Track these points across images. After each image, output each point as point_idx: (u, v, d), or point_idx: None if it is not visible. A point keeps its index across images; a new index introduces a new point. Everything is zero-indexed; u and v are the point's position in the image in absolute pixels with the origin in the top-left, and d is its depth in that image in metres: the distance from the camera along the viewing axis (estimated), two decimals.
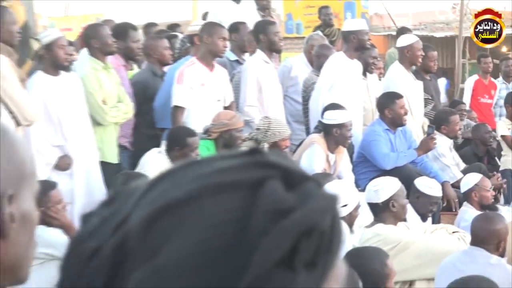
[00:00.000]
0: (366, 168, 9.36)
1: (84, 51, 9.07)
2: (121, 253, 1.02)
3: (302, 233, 0.98)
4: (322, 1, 15.82)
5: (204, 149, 8.13)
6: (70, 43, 9.07)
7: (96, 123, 8.58)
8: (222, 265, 0.97)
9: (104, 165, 8.39)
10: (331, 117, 8.89)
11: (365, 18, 14.57)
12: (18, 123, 6.84)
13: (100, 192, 8.07)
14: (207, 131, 8.36)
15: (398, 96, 9.61)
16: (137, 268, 0.99)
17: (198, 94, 8.73)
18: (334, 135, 8.82)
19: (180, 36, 11.55)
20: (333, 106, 9.05)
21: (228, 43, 9.55)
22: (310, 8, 16.24)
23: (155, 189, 1.07)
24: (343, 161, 9.16)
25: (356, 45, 9.95)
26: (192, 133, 8.00)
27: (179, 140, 7.89)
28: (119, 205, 1.09)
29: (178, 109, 8.63)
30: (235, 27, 10.58)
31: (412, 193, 7.60)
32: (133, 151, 9.14)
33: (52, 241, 5.69)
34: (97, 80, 8.72)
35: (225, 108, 8.99)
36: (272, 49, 10.27)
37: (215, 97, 8.96)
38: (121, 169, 8.42)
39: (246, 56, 10.81)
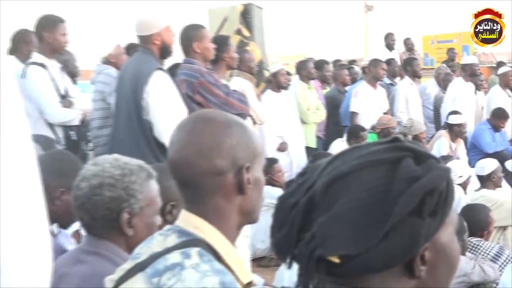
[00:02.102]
0: (476, 152, 10.00)
1: (296, 77, 10.29)
2: (310, 206, 1.31)
3: (426, 193, 1.25)
4: (448, 44, 16.68)
5: (371, 140, 8.53)
6: (288, 73, 10.08)
7: (303, 121, 9.57)
8: (373, 213, 1.24)
9: (307, 149, 9.39)
10: (454, 119, 9.70)
11: (475, 56, 14.79)
12: (254, 122, 7.13)
13: (303, 166, 8.06)
14: (373, 128, 9.26)
15: (506, 116, 10.31)
16: (320, 215, 1.28)
17: (367, 104, 9.59)
18: (455, 131, 9.65)
19: (356, 68, 12.37)
20: (455, 112, 9.88)
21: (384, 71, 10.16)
22: (440, 49, 17.08)
23: (332, 164, 1.35)
24: (460, 147, 9.86)
25: (470, 73, 10.95)
26: (363, 129, 8.93)
27: (354, 133, 8.80)
28: (309, 175, 1.36)
29: (354, 114, 9.56)
30: (389, 62, 11.24)
31: (504, 170, 7.87)
32: (325, 140, 10.07)
33: (274, 195, 4.81)
34: (304, 95, 9.77)
35: (384, 113, 9.75)
36: (415, 76, 11.23)
37: (378, 106, 9.76)
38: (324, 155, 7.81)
39: (397, 79, 11.57)
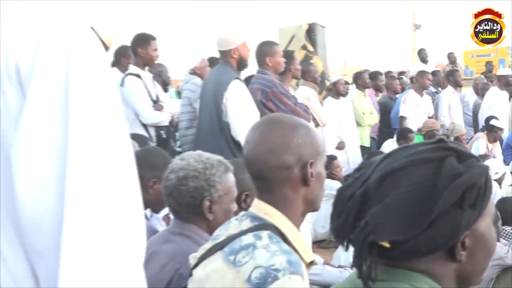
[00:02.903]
0: (510, 152, 9.63)
1: (353, 86, 10.18)
2: (365, 197, 1.29)
3: (467, 188, 1.23)
4: (486, 58, 16.11)
5: (418, 140, 8.21)
6: (346, 82, 9.90)
7: (358, 124, 9.44)
8: (420, 205, 1.22)
9: (362, 148, 9.24)
10: (496, 123, 9.45)
11: (510, 68, 13.49)
12: (317, 125, 7.09)
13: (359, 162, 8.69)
14: (419, 130, 9.06)
15: None
16: (373, 206, 1.26)
17: (414, 110, 9.42)
18: (494, 133, 9.39)
19: (405, 78, 12.22)
20: (492, 117, 9.69)
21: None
22: (479, 62, 16.65)
23: (384, 161, 1.32)
24: (496, 148, 9.60)
25: (504, 83, 10.80)
26: (411, 131, 8.74)
27: (403, 135, 8.65)
28: (364, 171, 1.35)
29: (403, 118, 9.39)
30: (434, 73, 11.05)
31: None
32: (378, 140, 9.90)
33: (334, 187, 5.48)
34: (360, 102, 9.64)
35: (429, 118, 9.57)
36: (457, 85, 11.04)
37: (423, 111, 9.58)
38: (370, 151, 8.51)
39: (441, 88, 11.21)
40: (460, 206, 1.23)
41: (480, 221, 1.29)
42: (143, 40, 6.10)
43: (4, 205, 1.23)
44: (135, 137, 4.61)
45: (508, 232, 5.05)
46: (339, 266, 5.12)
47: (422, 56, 13.06)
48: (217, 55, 5.63)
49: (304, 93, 7.17)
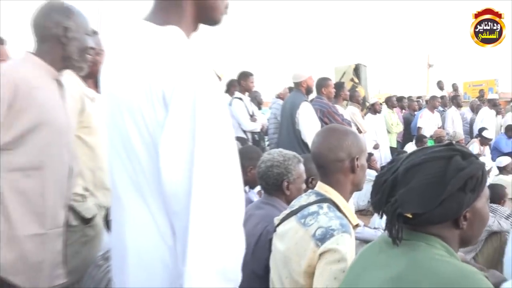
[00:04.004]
0: (496, 153, 8.77)
1: (385, 106, 9.22)
2: (395, 182, 1.24)
3: (469, 177, 1.18)
4: (479, 87, 14.51)
5: (430, 144, 7.69)
6: (380, 104, 8.98)
7: (388, 132, 8.72)
8: (434, 189, 1.18)
9: (391, 148, 8.70)
10: (487, 134, 8.65)
11: (497, 93, 12.78)
12: (360, 132, 6.83)
13: (389, 158, 7.55)
14: (431, 136, 8.57)
15: None
16: (401, 188, 1.22)
17: (428, 123, 8.84)
18: (484, 139, 8.48)
19: (421, 101, 11.53)
20: (483, 128, 8.72)
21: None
22: (474, 89, 14.91)
23: (408, 158, 1.27)
24: (486, 149, 8.71)
25: (492, 104, 9.87)
26: (425, 137, 8.22)
27: (420, 140, 8.08)
28: (395, 163, 1.30)
29: (419, 128, 8.80)
30: (442, 97, 10.36)
31: None
32: (402, 143, 9.22)
33: (372, 174, 5.46)
34: (390, 117, 8.91)
35: (438, 128, 8.99)
36: (458, 106, 9.85)
37: (434, 124, 9.00)
38: (397, 150, 8.17)
39: (447, 108, 10.23)
40: (463, 190, 1.20)
41: (478, 201, 1.25)
42: (244, 76, 6.25)
43: (154, 183, 1.26)
44: (238, 139, 4.59)
45: (494, 208, 4.75)
46: (374, 228, 4.98)
47: (440, 85, 12.63)
48: (292, 85, 5.56)
49: (351, 111, 7.13)
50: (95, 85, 2.51)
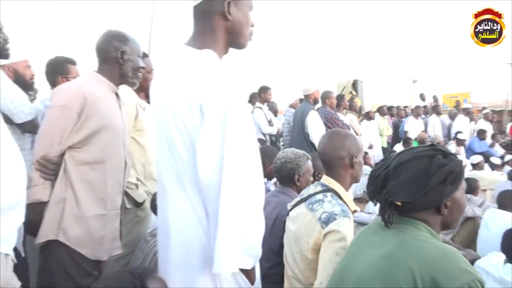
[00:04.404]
0: (470, 152, 8.25)
1: (377, 114, 8.69)
2: (386, 176, 1.18)
3: (449, 172, 1.14)
4: (455, 98, 13.67)
5: (415, 145, 7.16)
6: (373, 112, 8.69)
7: (380, 134, 8.40)
8: (420, 182, 1.13)
9: (383, 148, 8.18)
10: (461, 136, 8.14)
11: (470, 104, 11.85)
12: (357, 134, 6.39)
13: (381, 157, 7.11)
14: (415, 139, 8.03)
15: (485, 133, 8.65)
16: (392, 181, 1.18)
17: (413, 127, 8.35)
18: (460, 141, 7.96)
19: (407, 110, 10.94)
20: (458, 132, 8.26)
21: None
22: (451, 100, 13.94)
23: (398, 156, 1.22)
24: (461, 150, 8.04)
25: (467, 112, 9.35)
26: (410, 139, 7.73)
27: (406, 141, 7.72)
28: (386, 161, 1.25)
29: (406, 132, 8.21)
30: (425, 107, 9.72)
31: (487, 161, 6.75)
32: (392, 144, 8.67)
33: (367, 169, 5.40)
34: (381, 122, 8.42)
35: (422, 131, 8.36)
36: (438, 114, 9.30)
37: (418, 128, 8.53)
38: (387, 150, 7.88)
39: (429, 115, 9.57)
40: (444, 183, 1.17)
41: (456, 192, 1.21)
42: (263, 89, 6.17)
43: (192, 175, 1.27)
44: (258, 140, 4.53)
45: (469, 198, 4.60)
46: (369, 213, 4.89)
47: (422, 97, 12.12)
48: (302, 97, 5.53)
49: (350, 117, 7.02)
50: (146, 97, 2.54)
